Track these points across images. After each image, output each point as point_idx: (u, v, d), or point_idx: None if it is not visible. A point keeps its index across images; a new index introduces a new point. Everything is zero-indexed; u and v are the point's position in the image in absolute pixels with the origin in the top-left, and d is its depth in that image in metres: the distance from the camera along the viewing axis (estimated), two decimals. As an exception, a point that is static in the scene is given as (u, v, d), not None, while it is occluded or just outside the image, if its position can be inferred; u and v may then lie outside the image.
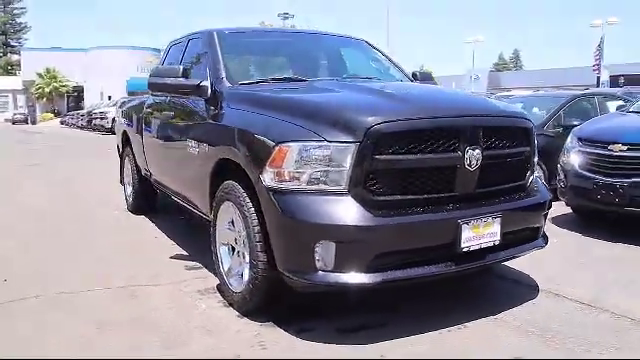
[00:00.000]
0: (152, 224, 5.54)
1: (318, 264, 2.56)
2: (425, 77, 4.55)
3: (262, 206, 2.75)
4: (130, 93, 40.27)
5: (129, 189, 6.20)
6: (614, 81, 29.39)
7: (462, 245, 2.72)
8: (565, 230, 5.15)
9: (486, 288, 3.60)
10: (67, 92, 50.64)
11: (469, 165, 2.77)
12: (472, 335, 2.81)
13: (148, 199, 5.97)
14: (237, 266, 3.21)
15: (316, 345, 2.69)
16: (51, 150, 16.50)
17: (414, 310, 3.15)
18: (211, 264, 3.90)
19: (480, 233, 2.79)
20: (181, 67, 3.70)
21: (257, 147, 2.79)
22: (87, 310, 3.19)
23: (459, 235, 2.71)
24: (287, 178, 2.63)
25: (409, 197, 2.68)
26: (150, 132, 4.97)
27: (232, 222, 3.23)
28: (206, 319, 3.04)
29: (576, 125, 6.00)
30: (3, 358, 2.61)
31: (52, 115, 48.04)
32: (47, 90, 49.31)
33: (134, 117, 5.64)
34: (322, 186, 2.59)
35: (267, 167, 2.68)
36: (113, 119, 24.39)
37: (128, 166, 6.19)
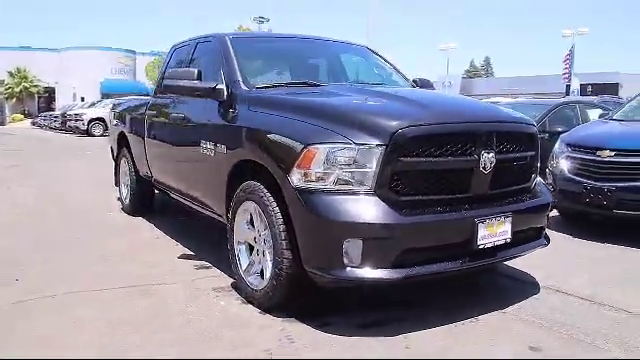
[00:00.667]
0: (151, 225, 5.57)
1: (345, 260, 2.68)
2: (425, 84, 4.72)
3: (289, 205, 2.85)
4: (104, 95, 39.90)
5: (125, 191, 6.21)
6: (583, 89, 30.41)
7: (478, 243, 2.88)
8: (555, 232, 5.38)
9: (491, 285, 3.77)
10: (38, 93, 49.55)
11: (484, 168, 2.94)
12: (486, 327, 2.97)
13: (146, 200, 6.00)
14: (256, 264, 3.31)
15: (342, 338, 2.80)
16: (28, 152, 16.18)
17: (427, 306, 3.31)
18: (220, 263, 4.03)
19: (494, 232, 2.96)
20: (196, 70, 3.77)
21: (284, 149, 2.90)
22: (106, 308, 3.23)
23: (475, 233, 2.87)
24: (315, 179, 2.75)
25: (430, 197, 2.83)
26: (154, 134, 5.02)
27: (250, 221, 3.34)
28: (228, 316, 3.12)
29: (560, 131, 6.28)
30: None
31: (22, 116, 46.88)
32: (17, 90, 48.16)
33: (134, 119, 5.66)
34: (349, 186, 2.72)
35: (295, 168, 2.79)
36: (90, 120, 24.23)
37: (124, 168, 6.20)
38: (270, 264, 3.10)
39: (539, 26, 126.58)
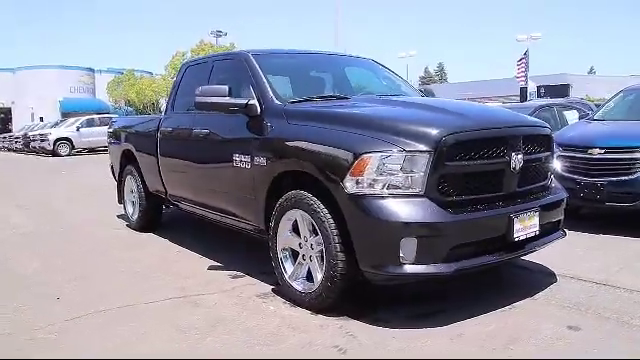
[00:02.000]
0: (163, 239, 5.66)
1: (401, 258, 2.91)
2: (429, 93, 5.04)
3: (344, 211, 3.07)
4: (64, 114, 38.96)
5: (132, 208, 6.27)
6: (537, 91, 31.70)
7: (514, 236, 3.18)
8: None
9: (511, 277, 4.07)
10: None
11: (514, 168, 3.24)
12: (524, 312, 3.27)
13: (155, 216, 6.09)
14: (301, 269, 3.51)
15: (399, 331, 3.03)
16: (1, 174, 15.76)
17: (463, 298, 3.58)
18: (252, 271, 4.25)
19: (526, 225, 3.26)
20: (227, 87, 3.95)
21: (336, 158, 3.11)
22: (166, 318, 3.37)
23: (512, 227, 3.16)
24: (367, 185, 2.98)
25: (471, 197, 3.11)
26: (171, 150, 5.14)
27: (293, 229, 3.54)
28: (282, 318, 3.30)
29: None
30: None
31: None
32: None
33: (143, 137, 5.75)
34: (401, 190, 2.97)
35: (348, 176, 3.02)
36: (55, 140, 23.71)
37: (130, 185, 6.26)
38: (319, 267, 3.31)
39: (492, 33, 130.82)
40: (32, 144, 25.22)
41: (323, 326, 3.15)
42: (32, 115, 41.79)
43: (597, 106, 9.39)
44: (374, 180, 2.97)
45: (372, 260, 3.02)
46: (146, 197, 5.89)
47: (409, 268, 2.93)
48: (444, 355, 2.75)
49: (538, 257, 4.20)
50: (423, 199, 2.96)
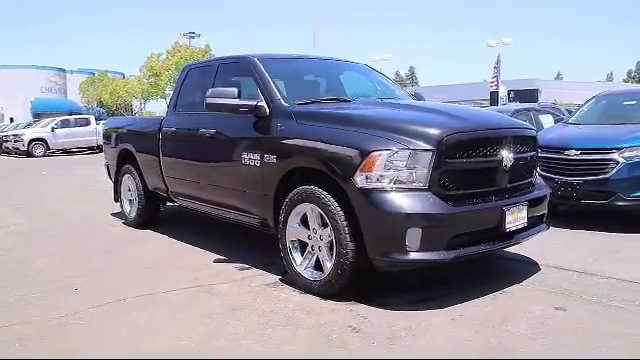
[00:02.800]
0: (163, 235, 5.84)
1: (407, 246, 3.22)
2: (419, 97, 5.39)
3: (354, 203, 3.36)
4: (35, 115, 38.30)
5: (129, 206, 6.43)
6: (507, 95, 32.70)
7: (506, 227, 3.52)
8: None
9: (499, 266, 4.42)
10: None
11: (505, 166, 3.59)
12: (515, 296, 3.62)
13: (153, 214, 6.28)
14: (310, 258, 3.78)
15: (405, 312, 3.33)
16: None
17: (462, 283, 3.91)
18: (257, 263, 4.52)
19: (516, 217, 3.61)
20: (236, 89, 4.20)
21: (347, 156, 3.40)
22: (185, 305, 3.61)
23: (504, 219, 3.50)
24: (376, 180, 3.28)
25: (468, 191, 3.45)
26: (174, 149, 5.35)
27: (302, 222, 3.81)
28: (295, 304, 3.57)
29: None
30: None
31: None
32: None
33: (144, 136, 5.93)
34: (407, 184, 3.27)
35: (358, 172, 3.31)
36: (30, 141, 23.39)
37: (127, 184, 6.42)
38: (328, 257, 3.59)
39: (463, 38, 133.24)
40: (5, 145, 24.80)
41: (334, 310, 3.43)
42: (2, 116, 40.91)
43: (568, 111, 9.96)
44: (382, 176, 3.27)
45: (380, 248, 3.32)
46: (145, 195, 6.07)
47: (414, 255, 3.24)
48: (449, 339, 3.05)
49: (522, 249, 4.54)
50: (427, 193, 3.27)
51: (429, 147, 3.27)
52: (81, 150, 25.04)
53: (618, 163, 5.47)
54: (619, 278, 3.98)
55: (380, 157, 3.27)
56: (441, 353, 2.83)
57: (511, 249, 4.56)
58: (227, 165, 4.56)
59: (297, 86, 4.69)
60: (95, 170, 14.46)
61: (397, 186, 3.27)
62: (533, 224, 3.93)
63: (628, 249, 4.93)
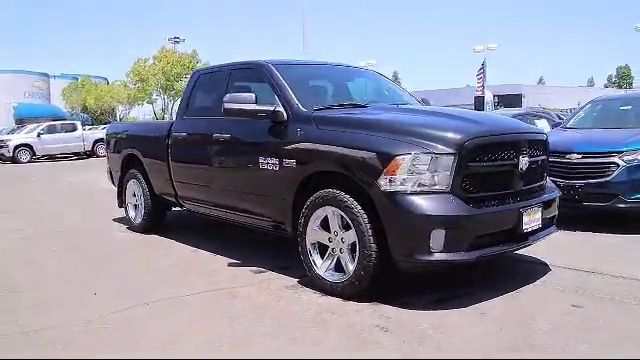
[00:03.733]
0: (170, 240, 5.84)
1: (431, 247, 3.31)
2: (426, 102, 5.51)
3: (378, 206, 3.44)
4: (19, 120, 37.72)
5: (134, 211, 6.44)
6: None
7: (523, 227, 3.63)
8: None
9: (512, 267, 4.51)
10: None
11: (521, 169, 3.70)
12: (531, 295, 3.74)
13: (160, 218, 6.29)
14: (331, 260, 3.85)
15: (428, 312, 3.41)
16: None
17: (477, 284, 4.01)
18: (273, 266, 4.59)
19: (532, 219, 3.73)
20: (254, 95, 4.26)
21: (371, 160, 3.48)
22: (211, 308, 3.66)
23: (521, 220, 3.61)
24: (401, 183, 3.36)
25: (488, 193, 3.55)
26: (185, 154, 5.38)
27: (322, 225, 3.88)
28: (319, 305, 3.63)
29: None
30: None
31: None
32: None
33: (152, 141, 5.94)
34: (430, 187, 3.36)
35: (383, 175, 3.39)
36: (15, 147, 23.10)
37: (133, 189, 6.43)
38: (350, 258, 3.66)
39: (448, 43, 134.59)
40: (-10, 151, 24.43)
41: (359, 310, 3.50)
42: (-16, 121, 40.16)
43: (559, 117, 10.20)
44: (405, 179, 3.36)
45: (405, 249, 3.40)
46: (152, 200, 6.08)
47: (438, 256, 3.33)
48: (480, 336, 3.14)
49: (530, 251, 4.63)
50: (450, 195, 3.37)
51: (451, 151, 3.37)
52: (66, 156, 24.81)
53: (618, 166, 5.64)
54: (627, 277, 4.10)
55: (404, 161, 3.36)
56: (471, 349, 2.91)
57: (521, 251, 4.70)
58: (242, 169, 4.61)
59: (312, 92, 4.78)
60: (85, 176, 14.43)
61: (420, 189, 3.36)
62: (545, 225, 4.04)
63: (634, 250, 5.05)
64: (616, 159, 5.67)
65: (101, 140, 21.09)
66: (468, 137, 3.44)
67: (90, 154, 24.94)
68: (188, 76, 12.13)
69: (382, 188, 3.40)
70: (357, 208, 3.55)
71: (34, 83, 45.10)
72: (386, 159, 3.41)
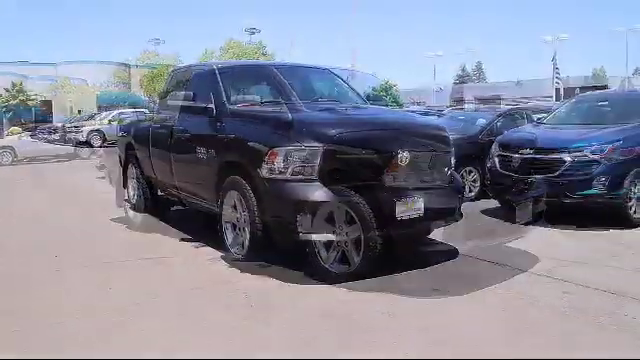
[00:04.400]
0: (155, 219, 6.56)
1: (299, 226, 3.82)
2: (376, 99, 5.91)
3: (258, 189, 4.01)
4: (100, 107, 40.92)
5: (133, 191, 7.29)
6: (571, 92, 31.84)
7: (397, 215, 4.01)
8: (496, 220, 6.39)
9: (502, 258, 4.61)
10: (34, 106, 50.47)
11: (401, 161, 4.09)
12: (525, 284, 3.99)
13: (151, 197, 7.06)
14: (237, 236, 4.47)
15: (422, 300, 3.69)
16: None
17: (468, 275, 4.23)
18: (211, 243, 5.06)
19: (409, 208, 4.07)
20: (192, 93, 4.94)
21: (254, 151, 4.07)
22: (178, 273, 4.43)
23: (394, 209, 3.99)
24: (277, 171, 3.90)
25: (354, 183, 3.96)
26: (157, 143, 6.10)
27: (234, 206, 4.46)
28: (220, 273, 4.28)
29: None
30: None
31: (20, 129, 47.78)
32: (13, 103, 49.08)
33: (140, 130, 6.74)
34: (300, 176, 3.87)
35: (264, 165, 3.94)
36: (89, 132, 25.35)
37: (132, 171, 7.28)
38: (249, 235, 4.24)
39: (522, 35, 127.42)
40: (68, 135, 26.98)
41: (249, 277, 4.09)
42: (70, 108, 43.94)
43: None
44: (281, 168, 3.89)
45: (279, 228, 4.00)
46: (144, 182, 6.87)
47: (303, 236, 3.84)
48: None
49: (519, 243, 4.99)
50: (316, 183, 3.86)
51: (319, 145, 3.88)
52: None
53: (565, 163, 5.74)
54: (578, 284, 4.00)
55: (279, 152, 3.91)
56: (481, 330, 3.18)
57: (510, 243, 5.08)
58: (190, 158, 5.23)
59: (249, 91, 5.34)
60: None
61: (292, 177, 3.90)
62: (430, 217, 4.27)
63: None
64: (563, 156, 5.76)
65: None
66: (334, 133, 3.94)
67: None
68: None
69: (263, 175, 3.97)
70: (249, 192, 4.12)
71: (116, 73, 48.49)
72: (264, 151, 3.96)
